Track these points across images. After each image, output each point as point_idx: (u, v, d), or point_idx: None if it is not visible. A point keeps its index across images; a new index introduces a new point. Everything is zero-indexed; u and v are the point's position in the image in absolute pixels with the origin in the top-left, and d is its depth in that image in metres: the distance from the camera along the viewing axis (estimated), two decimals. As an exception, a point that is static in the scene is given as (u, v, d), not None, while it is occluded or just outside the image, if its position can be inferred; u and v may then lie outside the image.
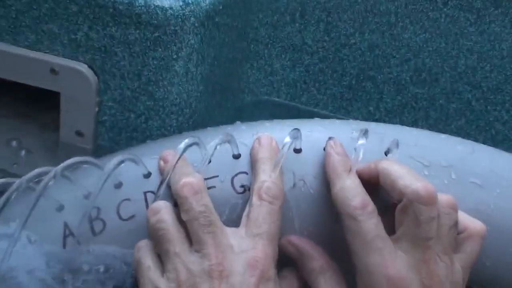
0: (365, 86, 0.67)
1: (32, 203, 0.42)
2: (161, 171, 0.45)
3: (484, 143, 0.53)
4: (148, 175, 0.46)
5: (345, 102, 0.67)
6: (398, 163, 0.43)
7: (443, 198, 0.41)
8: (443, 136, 0.51)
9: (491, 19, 0.63)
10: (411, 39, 0.65)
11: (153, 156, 0.46)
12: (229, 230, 0.41)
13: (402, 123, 0.64)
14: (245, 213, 0.43)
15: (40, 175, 0.43)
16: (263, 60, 0.68)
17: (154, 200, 0.43)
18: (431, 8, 0.63)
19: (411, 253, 0.40)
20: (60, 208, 0.45)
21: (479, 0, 0.62)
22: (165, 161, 0.45)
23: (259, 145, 0.45)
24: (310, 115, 0.65)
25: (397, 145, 0.45)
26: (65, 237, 0.45)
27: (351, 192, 0.41)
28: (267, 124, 0.51)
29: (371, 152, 0.44)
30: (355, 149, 0.44)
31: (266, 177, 0.42)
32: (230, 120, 0.52)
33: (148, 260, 0.42)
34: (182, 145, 0.43)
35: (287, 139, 0.44)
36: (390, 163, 0.42)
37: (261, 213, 0.41)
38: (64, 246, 0.44)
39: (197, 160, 0.44)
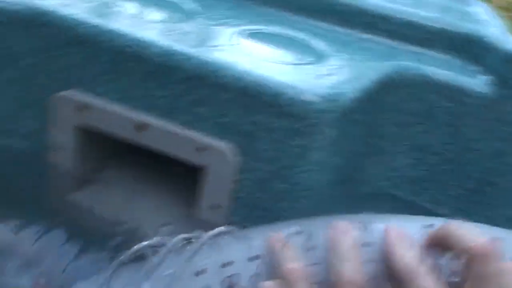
0: (486, 191, 0.67)
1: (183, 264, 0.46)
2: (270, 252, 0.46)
3: None
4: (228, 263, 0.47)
5: (466, 204, 0.67)
6: (462, 223, 0.42)
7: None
8: None
9: None
10: (540, 150, 0.65)
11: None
12: None
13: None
14: None
15: (189, 238, 0.47)
16: (388, 156, 0.70)
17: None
18: None
19: None
20: (199, 272, 0.49)
21: None
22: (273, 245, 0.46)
23: (399, 246, 0.42)
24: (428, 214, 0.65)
25: None
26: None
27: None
28: (400, 218, 0.51)
29: None
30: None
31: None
32: (355, 210, 0.53)
33: None
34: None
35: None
36: (454, 224, 0.42)
37: None
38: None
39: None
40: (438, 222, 0.47)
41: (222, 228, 0.47)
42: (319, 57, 0.66)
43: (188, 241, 0.47)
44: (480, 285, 0.38)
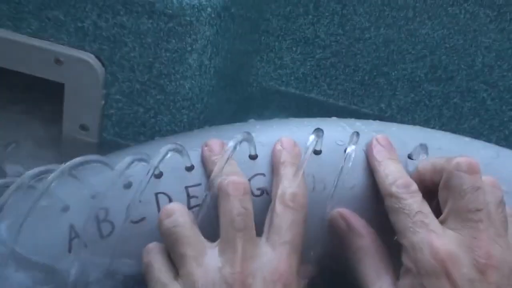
0: (377, 82, 0.63)
1: (32, 203, 0.39)
2: (206, 161, 0.42)
3: (496, 143, 0.51)
4: (160, 175, 0.42)
5: (356, 98, 0.64)
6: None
7: (485, 177, 0.38)
8: (466, 139, 0.48)
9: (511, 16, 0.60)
10: (428, 35, 0.61)
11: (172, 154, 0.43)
12: (258, 240, 0.38)
13: (414, 121, 0.61)
14: (267, 221, 0.39)
15: (44, 173, 0.40)
16: (273, 53, 0.64)
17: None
18: (450, 3, 0.58)
19: (461, 230, 0.36)
20: (65, 208, 0.42)
21: (501, -4, 0.58)
22: (211, 151, 0.42)
23: (282, 147, 0.42)
24: (320, 106, 0.62)
25: (425, 151, 0.43)
26: (71, 240, 0.42)
27: (394, 174, 0.39)
28: (283, 122, 0.48)
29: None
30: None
31: (290, 183, 0.40)
32: (238, 114, 0.49)
33: (159, 263, 0.39)
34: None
35: (311, 139, 0.42)
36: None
37: (285, 221, 0.38)
38: (69, 249, 0.41)
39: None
40: (328, 125, 0.45)
41: (83, 158, 0.40)
42: None
43: (42, 175, 0.39)
44: (457, 199, 0.37)
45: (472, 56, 0.62)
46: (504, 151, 0.48)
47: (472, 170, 0.37)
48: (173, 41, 0.50)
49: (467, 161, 0.38)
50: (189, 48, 0.50)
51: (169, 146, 0.41)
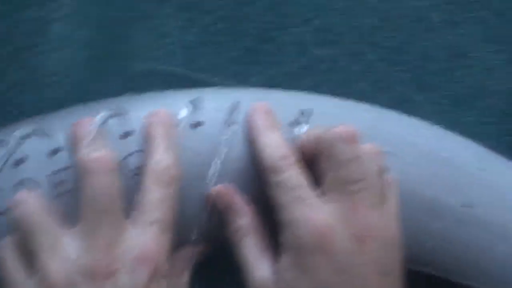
0: (266, 48, 0.62)
1: None
2: (73, 141, 0.38)
3: (384, 105, 0.51)
4: (20, 161, 0.38)
5: (245, 66, 0.62)
6: None
7: (366, 145, 0.38)
8: (351, 103, 0.47)
9: (396, -24, 0.59)
10: (314, -3, 0.60)
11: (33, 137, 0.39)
12: (125, 222, 0.35)
13: (304, 87, 0.60)
14: (135, 200, 0.36)
15: None
16: (156, 21, 0.61)
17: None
18: (335, -37, 0.57)
19: (339, 202, 0.35)
20: None
21: (384, -43, 0.57)
22: (79, 130, 0.38)
23: (152, 119, 0.39)
24: (205, 84, 0.60)
25: (307, 118, 0.41)
26: None
27: (272, 146, 0.38)
28: (162, 94, 0.45)
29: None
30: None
31: (160, 156, 0.37)
32: (119, 91, 0.45)
33: (11, 260, 0.35)
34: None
35: (184, 112, 0.39)
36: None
37: (153, 198, 0.36)
38: None
39: None
40: (208, 94, 0.43)
41: None
42: None
43: None
44: (336, 170, 0.36)
45: (358, 17, 0.61)
46: (387, 113, 0.48)
47: (351, 139, 0.36)
48: (32, 9, 0.45)
49: (345, 130, 0.36)
50: (50, 17, 0.46)
51: (26, 128, 0.37)
